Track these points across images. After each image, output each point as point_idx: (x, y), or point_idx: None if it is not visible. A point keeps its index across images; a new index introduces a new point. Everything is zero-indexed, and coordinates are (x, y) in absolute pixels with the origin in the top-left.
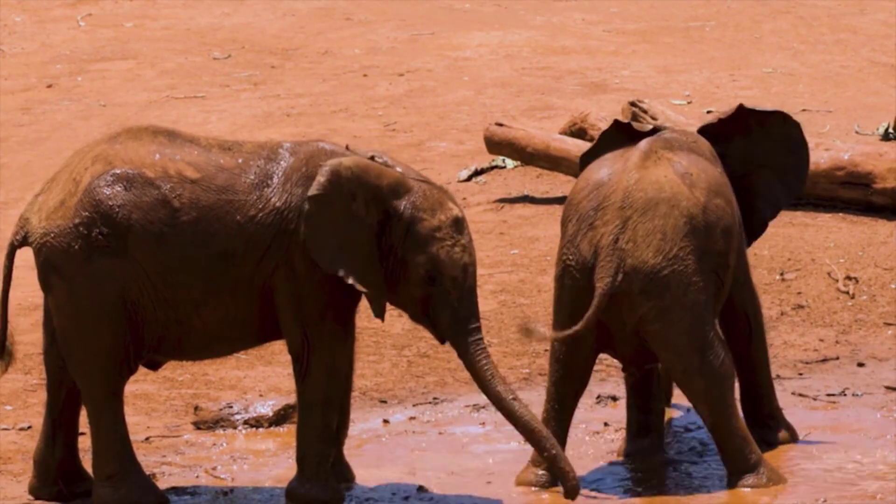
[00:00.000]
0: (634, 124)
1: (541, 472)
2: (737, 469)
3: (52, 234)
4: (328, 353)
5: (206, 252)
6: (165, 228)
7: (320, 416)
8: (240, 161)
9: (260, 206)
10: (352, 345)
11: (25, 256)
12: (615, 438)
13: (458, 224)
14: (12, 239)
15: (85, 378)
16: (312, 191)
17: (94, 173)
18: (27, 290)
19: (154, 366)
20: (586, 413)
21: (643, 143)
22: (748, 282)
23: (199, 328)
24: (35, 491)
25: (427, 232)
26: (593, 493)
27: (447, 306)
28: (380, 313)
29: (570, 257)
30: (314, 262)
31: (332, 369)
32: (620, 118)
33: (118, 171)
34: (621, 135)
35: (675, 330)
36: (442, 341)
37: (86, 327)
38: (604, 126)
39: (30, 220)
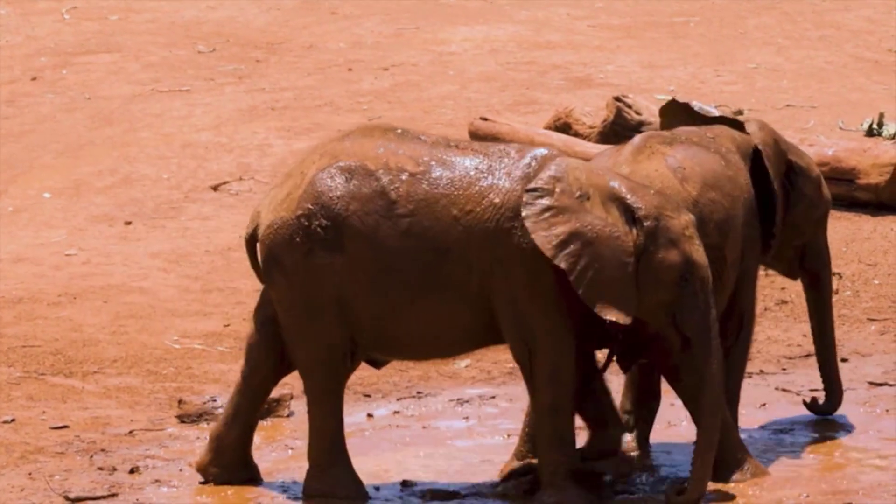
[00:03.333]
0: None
1: (525, 464)
2: (723, 465)
3: (276, 226)
4: (549, 359)
5: (420, 246)
6: (381, 219)
7: (549, 423)
8: (462, 157)
9: (477, 201)
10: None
11: (9, 248)
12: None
13: (695, 224)
14: (246, 233)
15: (306, 371)
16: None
17: (321, 167)
18: (11, 284)
19: (375, 364)
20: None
21: (637, 138)
22: (752, 285)
23: (413, 325)
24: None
25: (679, 230)
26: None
27: (696, 309)
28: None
29: None
30: (533, 265)
31: (555, 374)
32: (605, 113)
33: (342, 164)
34: (680, 115)
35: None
36: (680, 348)
37: (305, 322)
38: (588, 121)
39: (260, 214)
